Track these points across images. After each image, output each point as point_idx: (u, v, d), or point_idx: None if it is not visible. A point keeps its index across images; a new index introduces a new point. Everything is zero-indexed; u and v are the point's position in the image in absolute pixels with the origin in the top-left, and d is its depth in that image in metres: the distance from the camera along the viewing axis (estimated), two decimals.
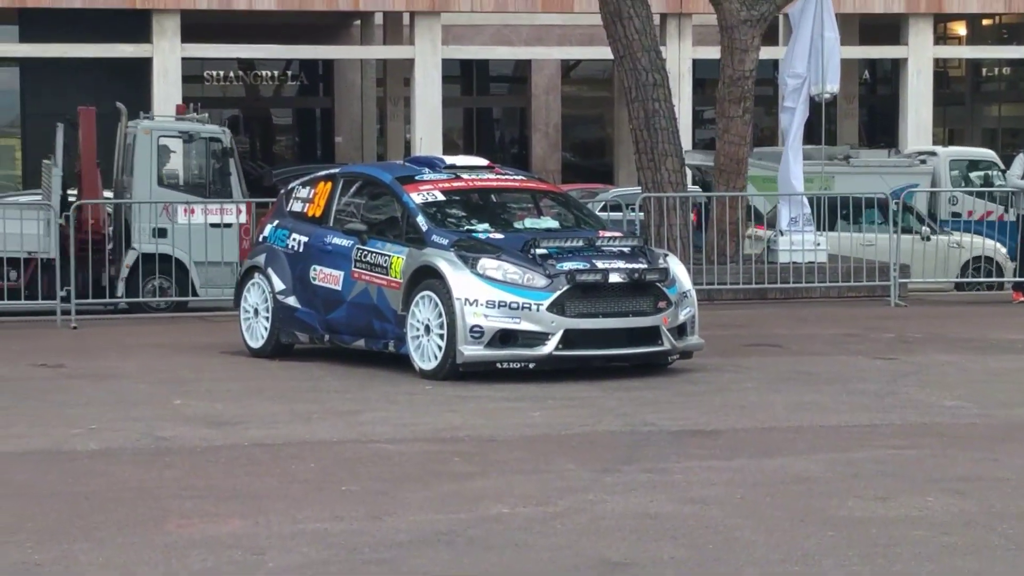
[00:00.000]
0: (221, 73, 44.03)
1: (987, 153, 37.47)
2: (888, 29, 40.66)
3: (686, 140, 29.53)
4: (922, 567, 8.62)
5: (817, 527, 9.55)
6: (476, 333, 14.84)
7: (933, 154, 33.38)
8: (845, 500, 10.45)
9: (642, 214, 23.63)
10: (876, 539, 9.32)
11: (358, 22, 42.32)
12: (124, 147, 30.49)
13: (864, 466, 11.67)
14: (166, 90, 37.56)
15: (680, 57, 34.42)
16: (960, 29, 43.37)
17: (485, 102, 46.29)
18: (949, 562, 8.76)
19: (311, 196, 17.39)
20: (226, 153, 28.25)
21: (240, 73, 44.50)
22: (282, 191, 20.19)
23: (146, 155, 29.49)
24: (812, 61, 24.54)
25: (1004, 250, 28.44)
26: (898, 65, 40.74)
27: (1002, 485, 11.10)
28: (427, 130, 33.00)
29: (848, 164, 31.95)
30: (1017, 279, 24.95)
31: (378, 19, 41.49)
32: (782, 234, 24.67)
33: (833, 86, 25.95)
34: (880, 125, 42.58)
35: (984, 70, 45.07)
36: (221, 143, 29.60)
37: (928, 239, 26.50)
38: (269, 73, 45.49)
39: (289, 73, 45.71)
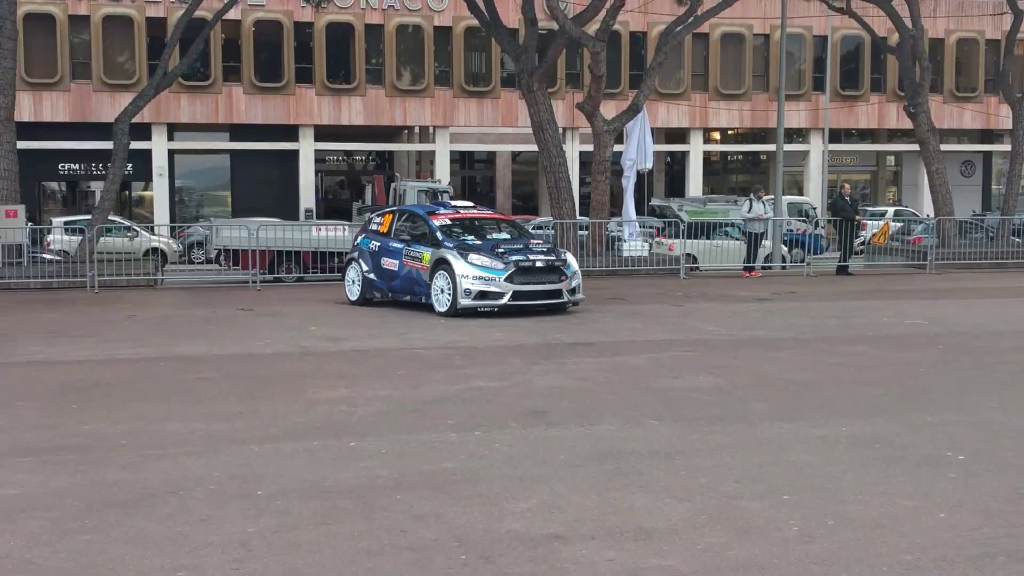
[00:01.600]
0: (335, 158, 43.57)
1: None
2: (679, 134, 40.49)
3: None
4: (695, 409, 9.50)
5: (641, 392, 10.57)
6: (467, 293, 15.58)
7: (735, 201, 33.24)
8: (656, 379, 11.11)
9: (552, 231, 23.63)
10: (671, 397, 10.24)
11: (406, 130, 41.59)
12: (397, 195, 32.84)
13: (667, 360, 12.16)
14: (306, 167, 38.37)
15: (573, 149, 34.45)
16: (717, 135, 43.14)
17: (471, 173, 45.90)
18: (707, 408, 9.54)
19: (381, 221, 18.00)
20: (450, 198, 27.81)
21: (344, 158, 44.02)
22: (368, 217, 20.85)
23: (412, 199, 31.54)
24: (638, 152, 24.57)
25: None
26: (685, 154, 40.58)
27: (735, 370, 11.51)
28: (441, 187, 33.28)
29: (705, 205, 31.67)
30: (746, 264, 24.08)
31: (416, 128, 40.94)
32: (625, 242, 24.37)
33: (648, 165, 25.61)
34: (674, 186, 42.33)
35: (729, 156, 44.80)
36: (448, 193, 31.62)
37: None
38: (360, 157, 44.92)
39: (369, 158, 44.97)
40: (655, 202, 33.52)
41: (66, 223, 28.48)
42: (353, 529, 5.88)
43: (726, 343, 13.47)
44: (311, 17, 35.63)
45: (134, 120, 24.15)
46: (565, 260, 16.70)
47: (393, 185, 34.60)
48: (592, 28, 23.41)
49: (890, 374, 11.03)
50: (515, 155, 42.38)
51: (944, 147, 34.57)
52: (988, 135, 44.12)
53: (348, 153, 43.74)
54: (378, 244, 17.70)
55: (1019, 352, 12.56)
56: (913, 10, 26.97)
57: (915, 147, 30.84)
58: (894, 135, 44.01)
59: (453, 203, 19.69)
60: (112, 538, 5.66)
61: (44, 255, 23.10)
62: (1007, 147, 33.11)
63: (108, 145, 23.12)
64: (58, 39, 35.83)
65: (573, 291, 16.40)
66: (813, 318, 16.00)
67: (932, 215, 28.76)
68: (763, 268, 24.59)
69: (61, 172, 37.97)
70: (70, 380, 10.66)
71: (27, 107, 33.69)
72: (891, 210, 36.90)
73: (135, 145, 26.90)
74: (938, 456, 7.47)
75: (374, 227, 18.34)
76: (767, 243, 25.13)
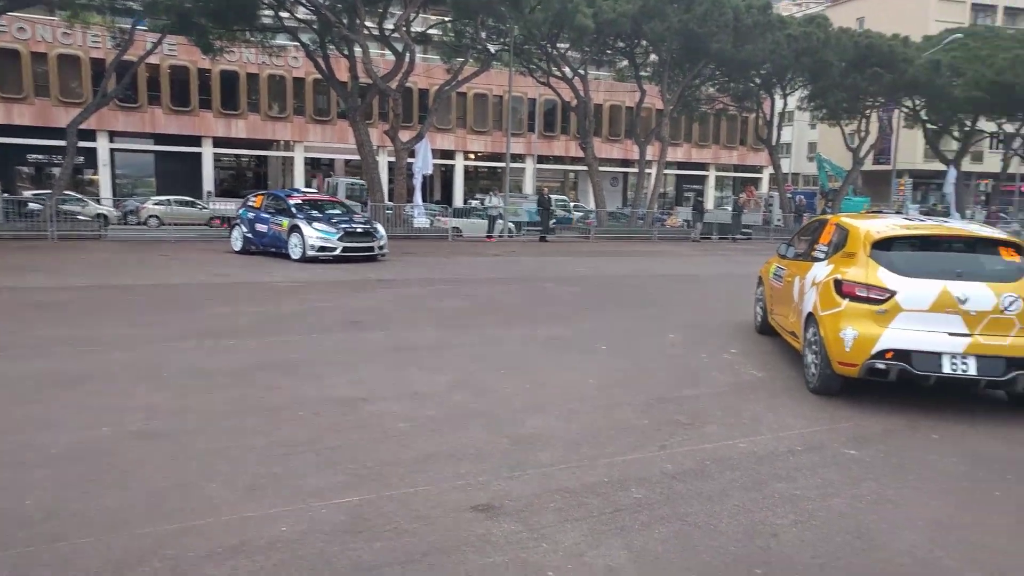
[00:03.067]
0: (229, 159, 40.54)
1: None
2: (449, 154, 40.39)
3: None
4: (452, 320, 9.40)
5: (420, 310, 10.56)
6: (312, 247, 15.11)
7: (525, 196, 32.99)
8: (430, 301, 10.99)
9: (369, 211, 22.94)
10: (438, 312, 10.19)
11: (275, 143, 39.30)
12: (331, 187, 30.79)
13: (436, 290, 11.91)
14: (207, 164, 36.64)
15: (384, 159, 33.14)
16: (472, 155, 42.74)
17: (321, 173, 43.79)
18: (459, 319, 9.44)
19: (255, 199, 16.97)
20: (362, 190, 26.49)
21: (235, 159, 41.20)
22: (247, 196, 19.37)
23: (343, 189, 29.72)
24: (423, 163, 24.20)
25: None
26: (453, 166, 40.09)
27: (477, 296, 11.43)
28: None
29: (526, 198, 31.23)
30: (487, 233, 23.95)
31: (282, 142, 38.66)
32: (415, 218, 23.98)
33: (429, 171, 25.11)
34: (447, 188, 41.69)
35: (479, 169, 44.45)
36: (362, 185, 27.92)
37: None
38: (246, 159, 41.89)
39: (253, 160, 41.94)
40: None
41: (34, 194, 25.59)
42: (228, 396, 5.61)
43: (473, 280, 13.43)
44: (210, 65, 33.05)
45: (84, 127, 22.02)
46: (376, 228, 16.28)
47: (327, 179, 33.42)
48: (394, 83, 22.84)
49: (565, 299, 11.41)
50: (347, 162, 41.02)
51: (602, 168, 35.89)
52: (627, 163, 46.12)
53: (238, 156, 41.02)
54: (253, 215, 16.63)
55: (634, 287, 13.23)
56: (585, 87, 27.83)
57: (585, 168, 31.85)
58: (576, 160, 45.17)
59: (303, 190, 18.86)
60: (56, 406, 5.25)
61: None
62: (636, 169, 34.78)
63: (63, 142, 20.84)
64: (22, 67, 32.79)
65: (382, 247, 16.01)
66: (524, 266, 16.29)
67: (594, 207, 29.91)
68: (499, 236, 24.80)
69: (30, 160, 34.49)
70: (32, 301, 9.59)
71: (2, 114, 32.80)
72: (571, 204, 37.81)
73: (87, 143, 26.65)
74: (591, 347, 7.85)
75: (251, 203, 17.20)
76: (501, 222, 25.42)
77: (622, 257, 19.64)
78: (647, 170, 30.91)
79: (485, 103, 40.97)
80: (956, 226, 6.12)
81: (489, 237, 24.13)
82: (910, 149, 45.42)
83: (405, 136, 24.12)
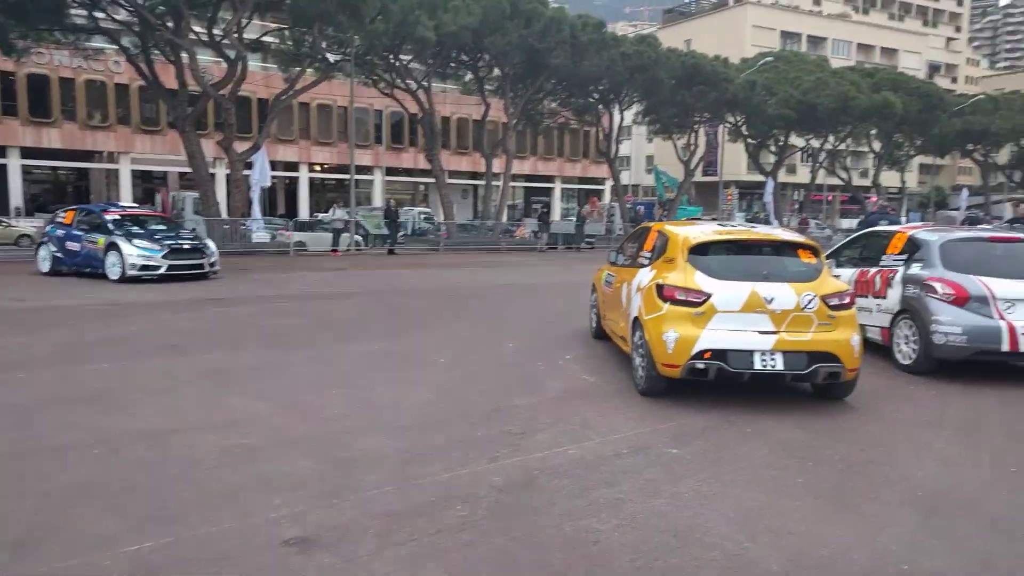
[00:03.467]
0: (42, 171, 36.45)
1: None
2: (293, 165, 38.91)
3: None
4: (282, 339, 8.83)
5: (249, 329, 9.96)
6: (132, 266, 13.86)
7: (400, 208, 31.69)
8: (260, 320, 10.37)
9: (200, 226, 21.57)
10: (268, 331, 9.68)
11: (97, 154, 35.91)
12: (176, 202, 28.09)
13: (269, 308, 11.27)
14: (14, 177, 32.34)
15: (221, 171, 31.18)
16: (319, 167, 41.38)
17: (151, 186, 40.30)
18: (291, 338, 8.88)
19: (65, 215, 15.38)
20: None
21: (51, 171, 37.19)
22: (54, 212, 17.52)
23: (190, 205, 26.88)
24: (260, 175, 22.88)
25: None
26: (297, 178, 38.48)
27: (311, 313, 10.93)
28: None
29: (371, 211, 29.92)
30: (332, 247, 23.33)
31: (105, 152, 35.39)
32: (253, 232, 22.81)
33: (268, 184, 23.45)
34: (291, 200, 40.06)
35: (325, 181, 43.14)
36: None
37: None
38: (63, 172, 37.94)
39: (71, 173, 38.10)
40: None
41: None
42: (6, 438, 4.92)
43: (310, 296, 12.82)
44: (14, 67, 29.78)
45: None
46: (206, 244, 15.31)
47: (173, 194, 30.45)
48: (226, 92, 21.64)
49: (407, 312, 11.17)
50: (181, 175, 38.43)
51: (452, 181, 36.02)
52: (476, 175, 46.42)
53: (54, 168, 37.24)
54: (63, 232, 15.07)
55: (479, 297, 13.23)
56: (429, 99, 27.80)
57: (433, 180, 31.76)
58: (425, 172, 44.79)
59: (122, 204, 17.41)
60: None
61: None
62: (484, 182, 35.10)
63: None
64: None
65: (213, 264, 15.02)
66: (367, 279, 15.87)
67: (443, 218, 29.86)
68: (345, 250, 24.07)
69: None
70: None
71: None
72: (421, 216, 37.59)
73: None
74: (429, 360, 7.67)
75: (60, 219, 15.58)
76: (346, 235, 24.74)
77: (470, 268, 19.62)
78: (495, 182, 31.31)
79: (329, 114, 39.86)
80: (762, 231, 6.52)
81: (334, 251, 23.45)
82: (735, 162, 49.15)
83: (241, 147, 22.97)
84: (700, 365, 5.83)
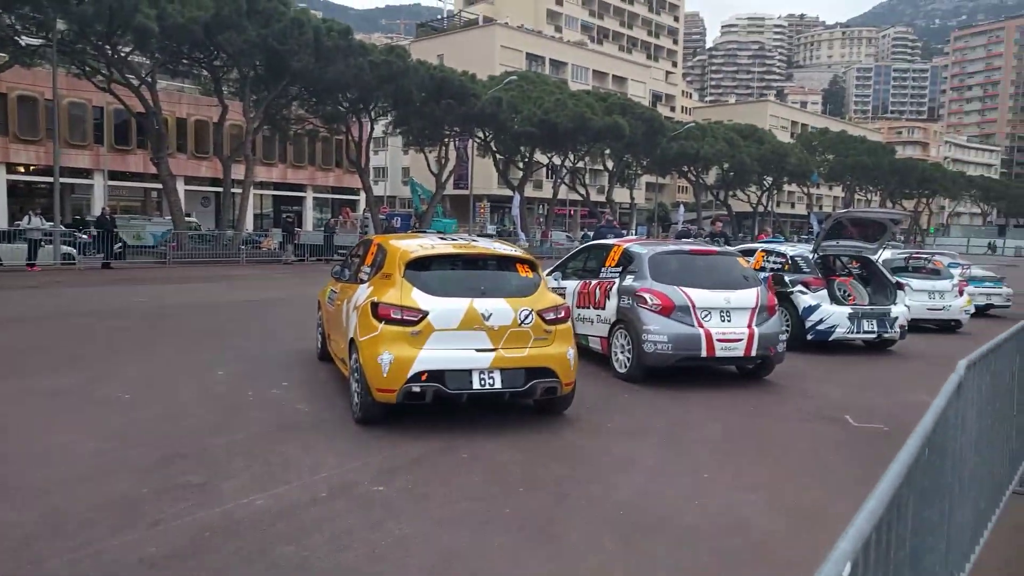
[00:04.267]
0: None
1: None
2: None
3: None
4: None
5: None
6: None
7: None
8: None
9: None
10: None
11: None
12: None
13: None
14: None
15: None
16: (22, 168, 35.55)
17: None
18: None
19: None
20: None
21: None
22: None
23: None
24: None
25: None
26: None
27: None
28: None
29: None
30: (28, 262, 20.08)
31: None
32: None
33: None
34: None
35: (32, 184, 37.18)
36: None
37: None
38: None
39: None
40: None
41: None
42: None
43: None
44: None
45: None
46: None
47: None
48: None
49: (101, 338, 9.60)
50: None
51: (191, 187, 32.97)
52: (219, 181, 42.93)
53: None
54: None
55: (200, 316, 11.83)
56: (154, 96, 25.07)
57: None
58: (155, 178, 40.60)
59: None
60: None
61: None
62: (222, 189, 32.46)
63: None
64: None
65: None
66: (64, 299, 13.60)
67: (174, 228, 26.99)
68: (49, 264, 20.62)
69: None
70: None
71: None
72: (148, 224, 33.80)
73: None
74: (111, 396, 6.47)
75: None
76: (50, 247, 21.25)
77: (198, 283, 17.80)
78: (235, 189, 29.04)
79: (34, 108, 34.31)
80: (481, 245, 6.29)
81: (31, 266, 20.04)
82: (488, 176, 50.69)
83: None
84: (416, 388, 5.42)
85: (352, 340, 5.93)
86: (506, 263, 6.09)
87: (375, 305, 5.64)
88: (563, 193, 51.82)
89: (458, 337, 5.52)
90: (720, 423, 6.30)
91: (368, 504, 4.24)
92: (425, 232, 7.21)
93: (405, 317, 5.50)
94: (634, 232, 53.63)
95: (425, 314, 5.50)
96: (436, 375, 5.44)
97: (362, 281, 6.42)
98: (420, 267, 5.79)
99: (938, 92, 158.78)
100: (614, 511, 4.28)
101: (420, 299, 5.56)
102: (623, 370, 7.74)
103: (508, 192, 46.23)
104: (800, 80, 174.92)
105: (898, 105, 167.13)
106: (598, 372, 8.01)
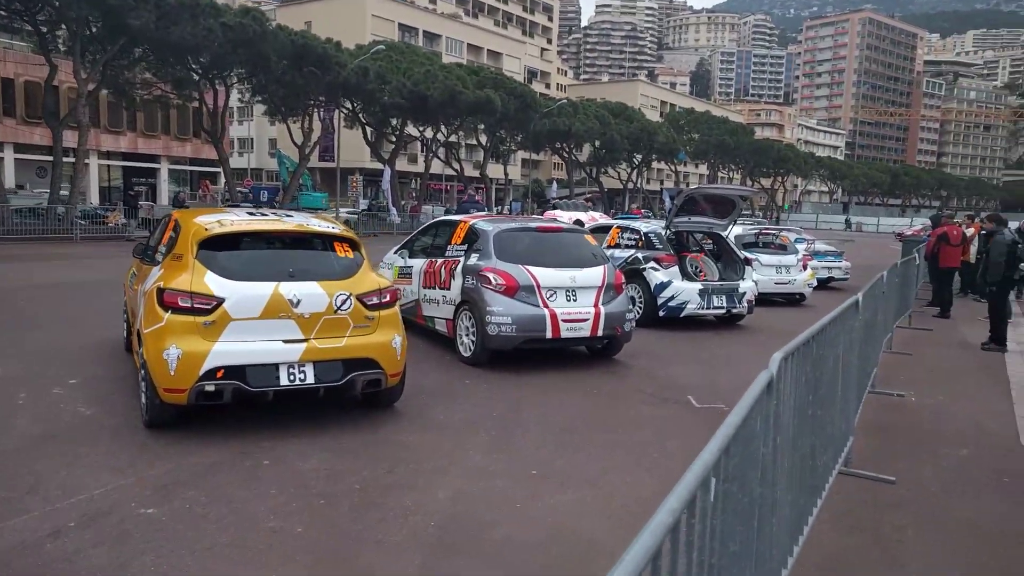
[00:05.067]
0: None
1: None
2: None
3: None
4: None
5: None
6: None
7: None
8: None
9: None
10: None
11: None
12: None
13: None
14: None
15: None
16: None
17: None
18: None
19: None
20: None
21: None
22: None
23: None
24: None
25: None
26: None
27: None
28: None
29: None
30: None
31: None
32: None
33: None
34: None
35: None
36: None
37: None
38: None
39: None
40: None
41: None
42: None
43: None
44: None
45: None
46: None
47: None
48: None
49: None
50: None
51: (27, 156, 29.44)
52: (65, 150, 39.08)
53: None
54: None
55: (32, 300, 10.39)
56: None
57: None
58: None
59: None
60: None
61: None
62: (66, 159, 29.28)
63: None
64: None
65: None
66: None
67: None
68: None
69: None
70: None
71: None
72: None
73: None
74: None
75: None
76: None
77: (12, 263, 15.77)
78: (69, 158, 26.27)
79: None
80: (293, 221, 5.53)
81: None
82: (359, 148, 48.72)
83: None
84: (211, 387, 4.68)
85: (139, 332, 5.10)
86: (321, 242, 5.38)
87: (160, 292, 4.81)
88: (438, 168, 50.86)
89: (261, 327, 4.81)
90: (560, 410, 5.91)
91: (126, 534, 3.48)
92: (239, 205, 6.39)
93: (196, 305, 4.73)
94: (508, 208, 53.55)
95: (220, 301, 4.75)
96: (235, 371, 4.72)
97: (156, 263, 5.57)
98: (216, 247, 5.01)
99: (792, 78, 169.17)
100: (424, 524, 3.75)
101: (214, 284, 4.79)
102: (467, 354, 7.26)
103: (381, 166, 44.75)
104: (670, 62, 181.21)
105: (757, 88, 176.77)
106: (442, 356, 7.51)
